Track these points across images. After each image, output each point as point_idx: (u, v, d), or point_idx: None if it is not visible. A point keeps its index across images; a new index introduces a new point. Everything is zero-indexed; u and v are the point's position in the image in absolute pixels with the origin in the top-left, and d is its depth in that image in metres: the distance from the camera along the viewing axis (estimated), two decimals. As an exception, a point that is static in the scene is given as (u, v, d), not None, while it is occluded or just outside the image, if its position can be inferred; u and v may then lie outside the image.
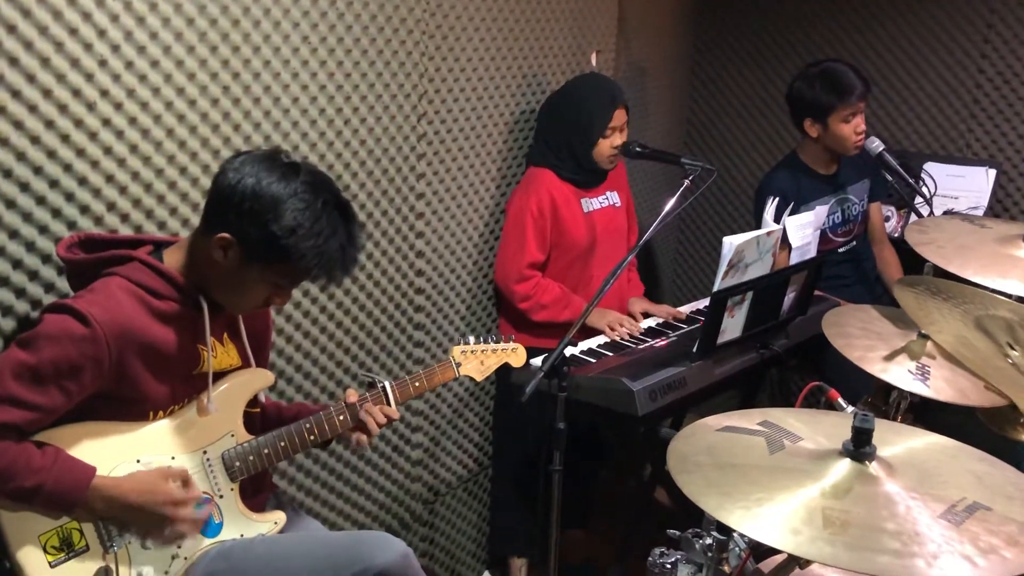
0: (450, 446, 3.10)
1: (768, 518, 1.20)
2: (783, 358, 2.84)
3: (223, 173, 1.74)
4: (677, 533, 1.99)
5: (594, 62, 3.36)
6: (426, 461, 3.01)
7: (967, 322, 1.41)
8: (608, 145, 2.90)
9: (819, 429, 1.42)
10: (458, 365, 2.19)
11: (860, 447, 1.29)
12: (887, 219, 3.57)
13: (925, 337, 2.11)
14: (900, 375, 2.02)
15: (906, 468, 1.31)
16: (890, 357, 2.04)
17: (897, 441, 1.38)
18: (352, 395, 2.01)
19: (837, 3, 3.88)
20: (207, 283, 1.78)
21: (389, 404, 2.05)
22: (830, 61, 3.23)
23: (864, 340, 2.11)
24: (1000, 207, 3.65)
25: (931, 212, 3.28)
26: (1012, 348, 1.31)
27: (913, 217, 3.55)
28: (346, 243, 1.76)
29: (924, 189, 3.31)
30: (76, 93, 1.90)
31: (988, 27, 3.58)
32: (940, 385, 1.98)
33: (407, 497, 2.97)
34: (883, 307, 2.35)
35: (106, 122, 1.96)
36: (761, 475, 1.29)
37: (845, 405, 1.97)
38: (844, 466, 1.31)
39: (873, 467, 1.30)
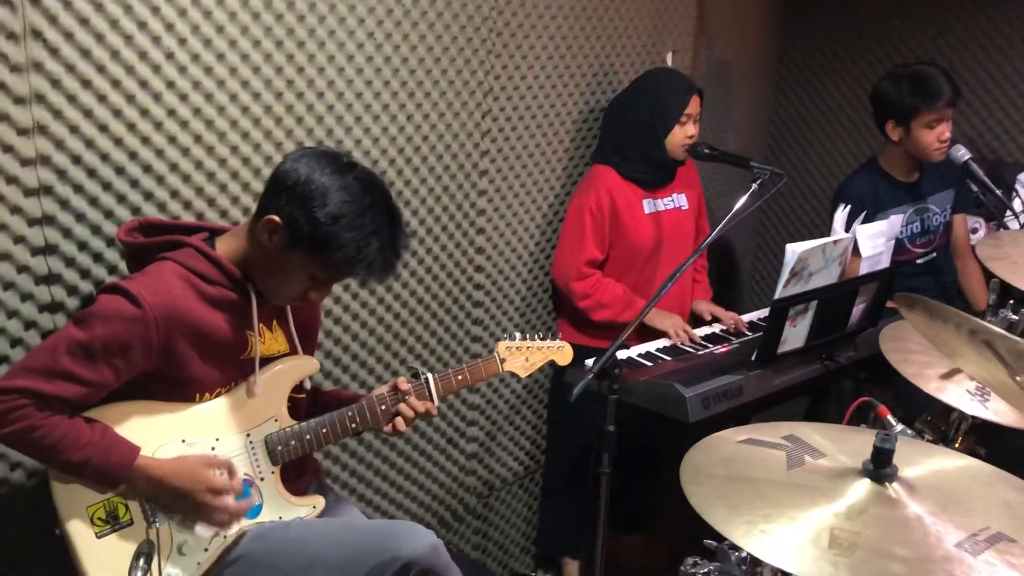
0: (505, 441, 3.11)
1: (772, 535, 1.16)
2: (849, 370, 2.75)
3: (283, 162, 1.80)
4: (714, 544, 1.95)
5: (669, 62, 3.32)
6: (481, 455, 3.03)
7: (977, 346, 1.33)
8: (683, 134, 2.85)
9: (844, 447, 1.38)
10: (502, 361, 2.20)
11: (880, 467, 1.24)
12: (975, 231, 3.41)
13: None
14: (958, 395, 1.93)
15: (930, 491, 1.25)
16: (948, 376, 1.95)
17: (925, 462, 1.32)
18: (403, 383, 2.04)
19: (925, 10, 3.73)
20: (252, 268, 1.83)
21: (431, 396, 2.07)
22: (921, 63, 3.09)
23: (922, 356, 2.02)
24: (1100, 222, 3.44)
25: (1022, 226, 3.13)
26: (1017, 375, 1.24)
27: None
28: (387, 245, 1.78)
29: (1016, 201, 3.16)
30: (143, 84, 1.97)
31: (1094, 31, 3.39)
32: (1000, 407, 1.88)
33: (461, 490, 2.99)
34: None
35: (171, 112, 2.03)
36: (773, 491, 1.25)
37: (895, 423, 1.91)
38: (863, 486, 1.26)
39: (893, 488, 1.24)
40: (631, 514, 3.11)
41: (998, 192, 3.02)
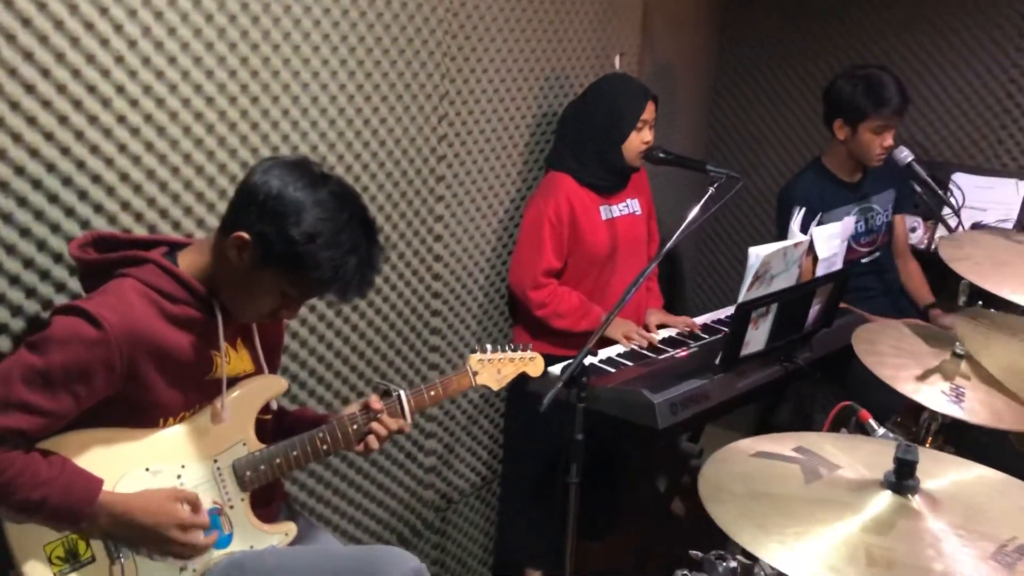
0: (464, 453, 3.05)
1: (807, 554, 1.13)
2: (807, 372, 2.77)
3: (251, 174, 1.69)
4: (700, 555, 1.92)
5: (617, 65, 3.30)
6: (439, 468, 2.96)
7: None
8: (639, 140, 2.84)
9: (857, 457, 1.36)
10: (475, 374, 2.14)
11: (903, 479, 1.23)
12: (913, 230, 3.49)
13: (959, 357, 2.04)
14: (933, 396, 1.95)
15: (951, 503, 1.24)
16: (923, 377, 1.97)
17: (942, 473, 1.31)
18: (376, 402, 1.95)
19: (864, 10, 3.80)
20: (218, 285, 1.73)
21: (404, 414, 1.99)
22: (878, 68, 3.15)
23: (895, 358, 2.04)
24: (1029, 220, 3.56)
25: (959, 224, 3.21)
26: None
27: (940, 229, 3.48)
28: (365, 262, 1.70)
29: (952, 201, 3.24)
30: (91, 89, 1.85)
31: (1020, 35, 3.50)
32: (975, 407, 1.91)
33: (419, 505, 2.92)
34: (915, 324, 2.29)
35: (121, 119, 1.91)
36: (798, 507, 1.22)
37: (876, 427, 1.92)
38: (884, 499, 1.24)
39: (916, 501, 1.23)
40: (591, 520, 3.09)
41: (940, 191, 3.09)
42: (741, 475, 1.30)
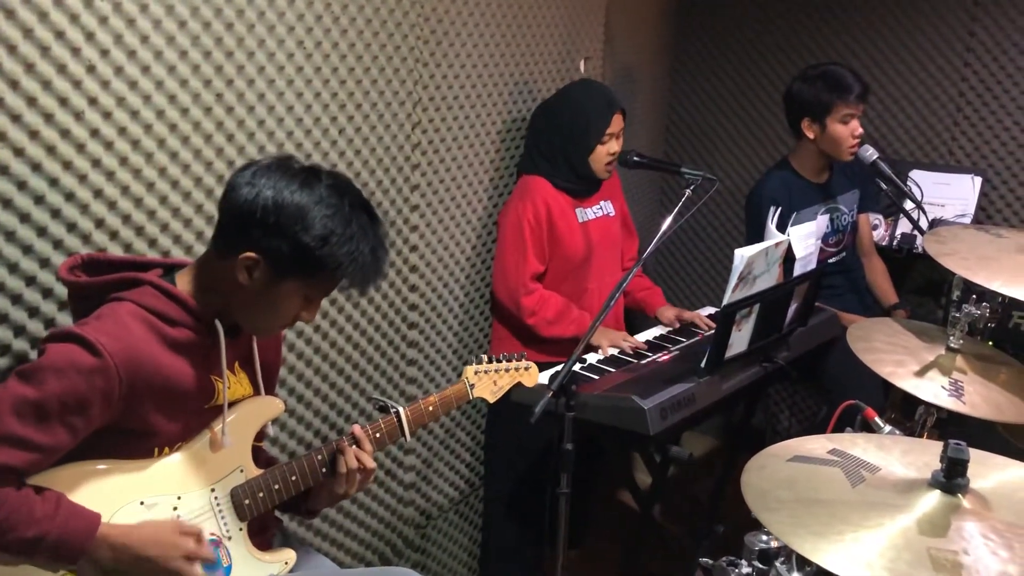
0: (442, 467, 2.98)
1: (873, 562, 1.10)
2: (787, 371, 2.78)
3: (236, 189, 1.59)
4: (710, 562, 1.90)
5: (583, 69, 3.28)
6: (419, 484, 2.89)
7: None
8: (605, 152, 2.82)
9: (893, 457, 1.34)
10: (471, 386, 2.08)
11: (953, 478, 1.21)
12: (875, 227, 3.54)
13: (953, 351, 2.06)
14: (933, 391, 1.96)
15: (1001, 502, 1.23)
16: (921, 372, 1.98)
17: (986, 473, 1.30)
18: (358, 430, 1.86)
19: (819, 11, 3.85)
20: (228, 307, 1.64)
21: (403, 431, 1.93)
22: (830, 64, 3.18)
23: (892, 355, 2.05)
24: (983, 214, 3.65)
25: (920, 219, 3.26)
26: None
27: (901, 225, 3.54)
28: (376, 245, 1.64)
29: (917, 197, 3.28)
30: (63, 101, 1.74)
31: (970, 35, 3.58)
32: (976, 401, 1.92)
33: (399, 522, 2.84)
34: (904, 320, 2.31)
35: (94, 132, 1.81)
36: (849, 511, 1.20)
37: (882, 425, 1.91)
38: (933, 499, 1.22)
39: (967, 500, 1.22)
40: (569, 527, 3.05)
41: (906, 188, 3.13)
42: (785, 481, 1.27)
